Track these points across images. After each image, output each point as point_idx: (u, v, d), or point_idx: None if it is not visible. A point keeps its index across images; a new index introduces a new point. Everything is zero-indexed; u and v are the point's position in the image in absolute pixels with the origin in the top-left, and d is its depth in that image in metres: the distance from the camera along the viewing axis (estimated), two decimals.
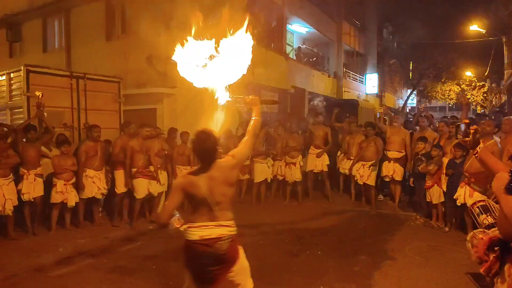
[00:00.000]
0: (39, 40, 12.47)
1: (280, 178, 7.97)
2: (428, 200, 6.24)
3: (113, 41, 10.59)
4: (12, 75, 7.11)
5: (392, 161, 7.23)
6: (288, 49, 15.40)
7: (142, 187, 6.37)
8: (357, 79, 21.54)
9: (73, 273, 4.35)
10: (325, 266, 4.52)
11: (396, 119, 7.51)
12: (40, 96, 5.90)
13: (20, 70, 6.77)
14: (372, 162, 7.20)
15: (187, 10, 10.48)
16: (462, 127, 2.50)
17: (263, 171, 7.77)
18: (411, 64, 27.42)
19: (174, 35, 10.38)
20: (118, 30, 10.56)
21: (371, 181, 7.27)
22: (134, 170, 6.32)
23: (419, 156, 6.44)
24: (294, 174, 7.80)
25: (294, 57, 15.76)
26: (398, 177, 7.23)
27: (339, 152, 8.52)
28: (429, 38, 19.90)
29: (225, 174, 2.62)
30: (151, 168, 6.50)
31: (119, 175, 6.42)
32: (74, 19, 11.41)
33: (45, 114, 6.21)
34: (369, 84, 22.39)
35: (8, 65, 10.97)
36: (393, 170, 7.22)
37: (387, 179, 7.52)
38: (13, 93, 7.15)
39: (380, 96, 24.03)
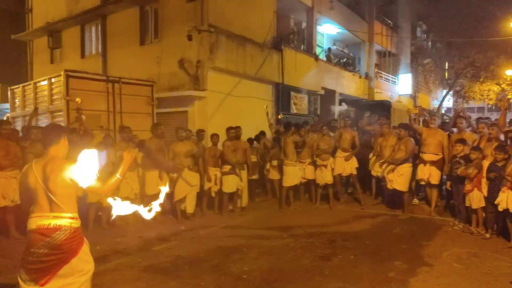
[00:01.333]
0: (78, 46, 13.02)
1: (303, 181, 7.90)
2: (467, 204, 5.96)
3: (146, 46, 10.90)
4: (53, 80, 7.46)
5: (428, 164, 6.98)
6: (318, 50, 15.26)
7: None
8: (389, 80, 20.99)
9: (110, 271, 4.48)
10: (358, 271, 4.41)
11: (433, 120, 7.24)
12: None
13: (60, 75, 7.11)
14: (399, 162, 6.86)
15: (217, 14, 10.69)
16: None
17: (296, 175, 7.70)
18: (446, 64, 26.43)
19: (205, 39, 10.58)
20: (151, 35, 10.86)
21: (401, 187, 6.89)
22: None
23: (457, 159, 6.17)
24: (325, 177, 7.69)
25: (324, 59, 15.59)
26: (435, 180, 6.98)
27: (371, 155, 8.33)
28: (466, 36, 19.07)
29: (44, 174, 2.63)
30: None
31: (151, 176, 6.57)
32: (110, 25, 11.83)
33: (83, 117, 6.50)
34: (402, 84, 21.76)
35: (49, 71, 11.56)
36: (428, 174, 6.97)
37: (422, 183, 7.28)
38: (54, 97, 7.51)
39: (414, 96, 23.31)
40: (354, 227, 6.41)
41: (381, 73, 20.23)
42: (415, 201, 7.96)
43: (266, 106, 8.27)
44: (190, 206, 6.90)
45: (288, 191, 7.81)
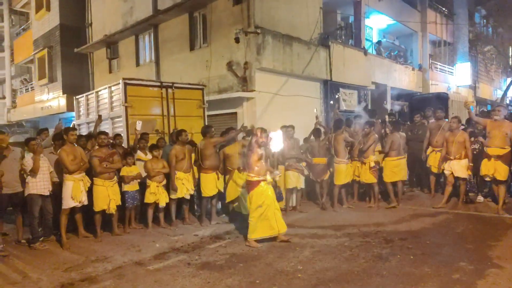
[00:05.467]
0: (133, 56, 13.78)
1: (358, 179, 7.71)
2: None
3: (196, 51, 11.26)
4: (112, 88, 7.94)
5: (492, 159, 6.49)
6: (367, 44, 14.78)
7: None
8: (445, 71, 19.78)
9: (169, 267, 4.68)
10: (419, 272, 4.21)
11: (497, 111, 6.70)
12: (138, 128, 6.83)
13: (119, 83, 7.54)
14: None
15: (263, 15, 10.74)
16: None
17: (348, 173, 7.55)
18: (510, 50, 24.41)
19: (252, 40, 10.70)
20: (200, 41, 11.20)
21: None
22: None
23: None
24: (363, 175, 7.48)
25: (374, 52, 15.06)
26: (501, 176, 6.47)
27: (429, 150, 7.92)
28: None
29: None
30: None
31: (207, 178, 6.75)
32: (162, 34, 12.39)
33: (140, 123, 6.88)
34: (460, 75, 20.40)
35: (108, 80, 12.34)
36: (494, 169, 6.49)
37: (487, 179, 6.78)
38: (113, 104, 7.98)
39: (473, 87, 21.76)
40: (412, 226, 6.13)
41: (436, 64, 19.14)
42: (480, 198, 7.46)
43: (316, 110, 8.18)
44: (245, 208, 6.91)
45: (340, 190, 7.65)
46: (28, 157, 5.57)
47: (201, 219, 6.85)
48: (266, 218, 5.42)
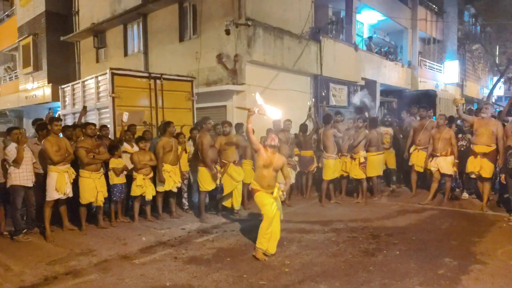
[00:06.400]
0: (121, 45, 13.51)
1: (345, 174, 7.76)
2: None
3: (185, 42, 11.09)
4: (99, 78, 7.77)
5: (479, 156, 6.58)
6: (358, 39, 14.79)
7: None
8: (434, 68, 19.96)
9: (156, 261, 4.63)
10: (405, 267, 4.25)
11: (485, 109, 6.77)
12: (125, 119, 6.71)
13: (106, 73, 7.38)
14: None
15: (254, 7, 10.59)
16: None
17: (336, 168, 7.55)
18: (497, 49, 24.80)
19: (242, 33, 10.58)
20: (190, 32, 11.03)
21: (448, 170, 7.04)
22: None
23: None
24: (353, 170, 7.53)
25: (365, 48, 15.09)
26: (486, 173, 6.57)
27: (412, 148, 7.98)
28: None
29: None
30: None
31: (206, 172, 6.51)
32: (151, 24, 12.16)
33: (126, 114, 6.75)
34: (448, 72, 20.64)
35: (95, 70, 12.09)
36: (480, 166, 6.57)
37: (473, 176, 6.87)
38: (100, 94, 7.83)
39: (461, 85, 22.04)
40: (399, 222, 6.19)
41: (425, 61, 19.30)
42: (465, 195, 7.57)
43: (309, 102, 8.38)
44: (236, 202, 6.78)
45: (328, 185, 7.68)
46: (12, 147, 5.41)
47: (201, 216, 6.54)
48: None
